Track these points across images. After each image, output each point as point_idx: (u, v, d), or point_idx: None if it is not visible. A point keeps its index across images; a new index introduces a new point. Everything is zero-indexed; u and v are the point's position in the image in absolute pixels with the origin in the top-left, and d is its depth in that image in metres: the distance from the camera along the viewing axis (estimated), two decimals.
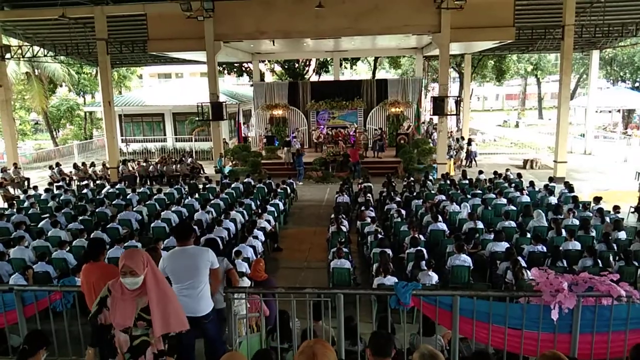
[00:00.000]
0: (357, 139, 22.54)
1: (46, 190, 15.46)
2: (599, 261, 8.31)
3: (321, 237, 11.97)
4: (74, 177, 19.21)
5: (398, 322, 5.72)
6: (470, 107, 30.33)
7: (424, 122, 28.37)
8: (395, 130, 23.33)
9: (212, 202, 13.37)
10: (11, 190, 17.90)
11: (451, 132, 27.28)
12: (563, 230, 9.77)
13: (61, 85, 35.01)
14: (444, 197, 13.09)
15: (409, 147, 20.56)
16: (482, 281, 8.81)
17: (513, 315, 4.33)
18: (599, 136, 29.52)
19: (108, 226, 11.20)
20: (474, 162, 22.05)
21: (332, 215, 11.46)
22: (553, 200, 12.79)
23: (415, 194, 14.14)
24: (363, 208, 11.99)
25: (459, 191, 13.81)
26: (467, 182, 15.15)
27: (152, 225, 11.54)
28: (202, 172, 21.03)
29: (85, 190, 15.90)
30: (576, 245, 9.18)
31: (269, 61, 34.18)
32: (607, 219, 10.68)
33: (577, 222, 10.54)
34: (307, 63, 35.05)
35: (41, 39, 21.09)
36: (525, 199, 12.82)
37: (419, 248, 8.81)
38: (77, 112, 35.70)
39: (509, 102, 62.54)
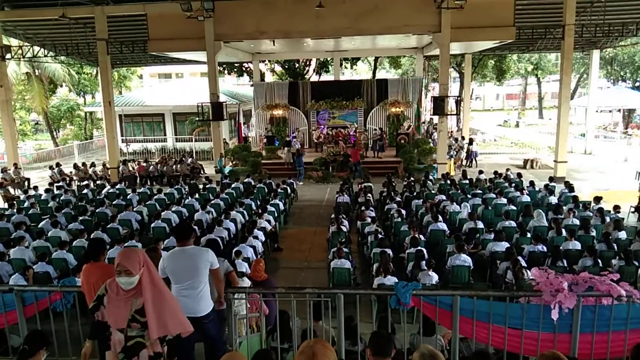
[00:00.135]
0: (358, 139, 22.54)
1: (46, 191, 15.46)
2: (599, 261, 8.31)
3: (321, 237, 11.98)
4: (74, 178, 19.21)
5: (398, 322, 5.72)
6: (470, 107, 30.32)
7: (424, 122, 28.36)
8: (395, 130, 23.33)
9: (213, 202, 13.38)
10: (11, 190, 17.91)
11: (451, 132, 27.28)
12: (563, 230, 9.77)
13: (61, 86, 35.02)
14: (444, 197, 13.09)
15: (409, 147, 20.56)
16: (482, 281, 8.81)
17: (513, 315, 4.33)
18: (600, 136, 29.52)
19: (108, 226, 11.21)
20: (474, 161, 22.04)
21: (332, 215, 11.46)
22: (553, 200, 12.79)
23: (415, 193, 14.13)
24: (363, 208, 11.99)
25: (459, 191, 13.81)
26: (467, 182, 15.15)
27: (152, 225, 11.55)
28: (202, 172, 21.03)
29: (85, 191, 15.90)
30: (576, 245, 9.18)
31: (269, 61, 34.18)
32: (608, 219, 10.68)
33: (577, 221, 10.54)
34: (308, 63, 35.06)
35: (41, 39, 21.10)
36: (526, 198, 12.82)
37: (419, 248, 8.81)
38: (77, 112, 35.72)
39: (509, 101, 62.51)
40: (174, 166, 20.40)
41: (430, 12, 16.79)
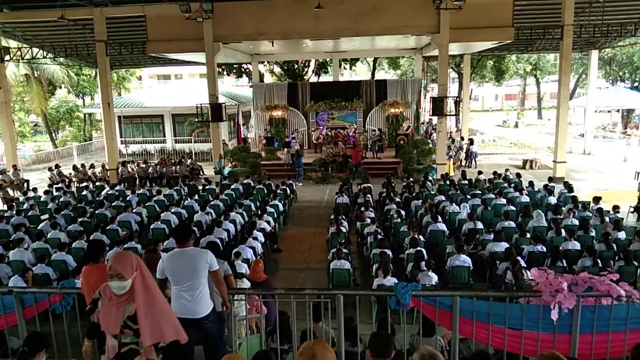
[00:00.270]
0: (357, 140, 22.56)
1: (45, 192, 15.46)
2: (599, 261, 8.32)
3: (321, 238, 11.97)
4: (74, 179, 19.19)
5: (398, 323, 5.72)
6: (469, 108, 30.34)
7: (423, 123, 28.38)
8: (394, 130, 23.35)
9: (212, 203, 13.37)
10: (10, 192, 17.89)
11: (450, 132, 27.30)
12: (563, 230, 9.77)
13: (60, 87, 35.02)
14: (443, 198, 13.09)
15: (408, 148, 20.57)
16: (482, 281, 8.81)
17: (513, 316, 4.33)
18: (598, 136, 29.54)
19: (107, 228, 11.18)
20: (474, 162, 22.05)
21: (332, 216, 11.46)
22: (552, 200, 12.79)
23: (414, 194, 14.13)
24: (363, 209, 11.98)
25: (458, 191, 13.81)
26: (466, 182, 15.15)
27: (151, 226, 11.53)
28: (201, 173, 21.03)
29: (84, 192, 15.89)
30: (576, 245, 9.18)
31: (268, 62, 34.22)
32: (607, 219, 10.68)
33: (576, 222, 10.54)
34: (307, 64, 35.07)
35: (40, 40, 21.10)
36: (525, 199, 12.82)
37: (418, 249, 8.81)
38: (76, 113, 35.71)
39: (508, 102, 62.59)
40: (173, 167, 20.40)
41: (429, 12, 16.81)
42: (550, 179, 14.61)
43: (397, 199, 13.28)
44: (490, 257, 9.11)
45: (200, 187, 16.23)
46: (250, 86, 29.41)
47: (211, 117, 18.71)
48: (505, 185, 14.57)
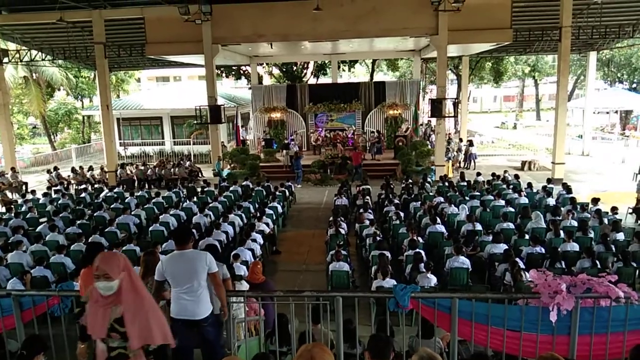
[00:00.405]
0: (356, 142, 22.57)
1: (44, 195, 15.44)
2: (597, 262, 8.33)
3: (320, 240, 11.97)
4: (72, 181, 19.18)
5: (397, 325, 5.72)
6: (468, 109, 30.38)
7: (422, 124, 28.39)
8: (393, 132, 23.36)
9: (211, 205, 13.37)
10: (9, 194, 17.86)
11: (449, 134, 27.32)
12: (561, 232, 9.79)
13: (59, 89, 35.01)
14: (442, 199, 13.09)
15: (407, 149, 20.59)
16: (481, 283, 8.81)
17: (512, 317, 4.33)
18: (597, 137, 29.61)
19: (106, 230, 11.18)
20: (473, 163, 22.06)
21: (331, 218, 11.45)
22: (551, 201, 12.81)
23: (413, 196, 14.13)
24: (361, 210, 11.97)
25: (457, 193, 13.82)
26: (465, 184, 15.16)
27: (150, 229, 11.52)
28: (200, 175, 21.01)
29: (83, 194, 15.87)
30: (574, 246, 9.20)
31: (267, 64, 34.22)
32: (605, 220, 10.69)
33: (575, 223, 10.55)
34: (305, 66, 35.09)
35: (39, 43, 21.09)
36: (524, 200, 12.83)
37: (417, 250, 8.80)
38: (75, 115, 35.69)
39: (506, 103, 62.65)
40: (172, 169, 20.38)
41: (428, 14, 16.83)
42: (549, 181, 14.63)
43: (396, 201, 13.27)
44: (489, 258, 9.12)
45: (199, 189, 16.23)
46: (249, 88, 29.43)
47: (210, 119, 18.71)
48: (504, 186, 14.58)
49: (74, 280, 7.33)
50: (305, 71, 35.31)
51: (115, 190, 16.12)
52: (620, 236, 9.81)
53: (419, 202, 13.01)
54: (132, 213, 12.66)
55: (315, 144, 23.52)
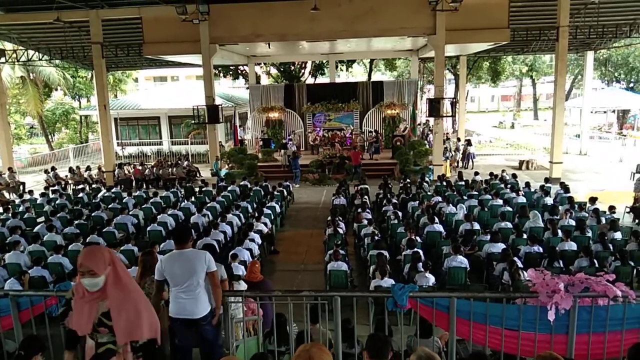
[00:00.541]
0: (354, 141, 22.58)
1: (42, 195, 15.39)
2: (595, 261, 8.34)
3: (318, 240, 11.96)
4: (70, 181, 19.13)
5: (395, 324, 5.72)
6: (465, 109, 30.41)
7: (419, 124, 28.41)
8: (391, 132, 23.37)
9: (209, 205, 13.34)
10: (6, 194, 17.83)
11: (447, 133, 27.35)
12: (559, 231, 9.80)
13: (56, 89, 34.95)
14: (440, 199, 13.10)
15: (405, 149, 20.59)
16: (479, 282, 8.82)
17: (510, 317, 4.33)
18: (594, 137, 29.67)
19: (104, 230, 11.16)
20: (471, 163, 22.09)
21: (329, 218, 11.46)
22: (549, 201, 12.83)
23: (411, 195, 14.14)
24: (360, 210, 11.98)
25: (455, 192, 13.83)
26: (463, 183, 15.18)
27: (148, 229, 11.50)
28: (198, 175, 20.99)
29: (81, 194, 15.83)
30: (572, 245, 9.21)
31: (264, 64, 34.20)
32: (603, 219, 10.72)
33: (573, 222, 10.56)
34: (303, 65, 35.09)
35: (36, 42, 21.04)
36: (521, 199, 12.85)
37: (415, 250, 8.81)
38: (72, 115, 35.61)
39: (504, 103, 62.77)
40: (170, 169, 20.35)
41: (425, 14, 16.84)
42: (547, 180, 14.65)
43: (394, 200, 13.28)
44: (487, 258, 9.12)
45: (196, 189, 16.20)
46: (247, 88, 29.40)
47: (208, 119, 18.69)
48: (502, 186, 14.59)
49: (71, 280, 7.31)
50: (303, 71, 35.31)
51: (113, 190, 16.09)
52: (618, 235, 9.83)
53: (417, 202, 13.02)
54: (130, 213, 12.63)
55: (313, 143, 23.52)
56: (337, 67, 30.28)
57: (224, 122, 21.70)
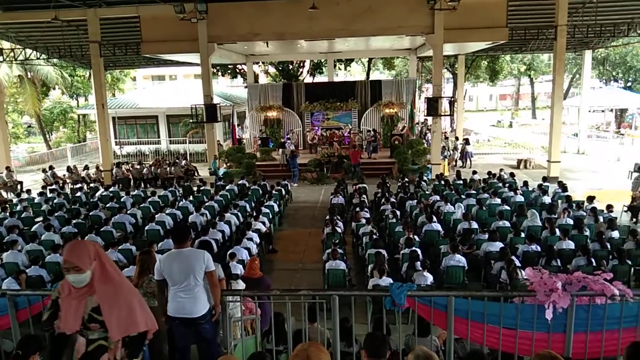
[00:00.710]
0: (352, 140, 22.58)
1: (39, 194, 15.38)
2: (593, 260, 8.35)
3: (316, 239, 11.96)
4: (68, 180, 19.10)
5: (393, 323, 5.72)
6: (464, 108, 30.46)
7: (418, 123, 28.44)
8: (389, 131, 23.38)
9: (207, 204, 13.33)
10: (4, 193, 17.80)
11: (445, 132, 27.38)
12: (557, 230, 9.81)
13: (54, 88, 34.82)
14: (438, 198, 13.11)
15: (403, 148, 20.61)
16: (477, 281, 8.83)
17: (507, 315, 4.34)
18: (592, 135, 29.72)
19: (102, 229, 11.13)
20: (469, 162, 22.12)
21: (327, 217, 11.46)
22: (547, 199, 12.85)
23: (409, 194, 14.14)
24: (358, 209, 11.98)
25: (453, 191, 13.85)
26: (461, 182, 15.19)
27: (146, 228, 11.49)
28: (196, 174, 20.97)
29: (78, 194, 15.80)
30: (570, 244, 9.22)
31: (262, 63, 34.18)
32: (601, 218, 10.73)
33: (570, 221, 10.58)
34: (301, 64, 35.07)
35: (34, 41, 20.98)
36: (519, 198, 12.86)
37: (413, 249, 8.81)
38: (70, 114, 35.55)
39: (502, 102, 62.86)
40: (168, 168, 20.33)
41: (424, 13, 16.85)
42: (545, 179, 14.66)
43: (392, 199, 13.29)
44: (485, 256, 9.13)
45: (195, 188, 16.19)
46: (245, 87, 29.38)
47: (206, 118, 18.67)
48: (500, 185, 14.62)
49: None
50: (301, 70, 35.29)
51: (110, 190, 16.07)
52: (616, 234, 9.85)
53: (415, 201, 13.02)
54: (128, 212, 12.63)
55: (311, 142, 23.52)
56: (335, 66, 30.27)
57: (222, 121, 21.66)
